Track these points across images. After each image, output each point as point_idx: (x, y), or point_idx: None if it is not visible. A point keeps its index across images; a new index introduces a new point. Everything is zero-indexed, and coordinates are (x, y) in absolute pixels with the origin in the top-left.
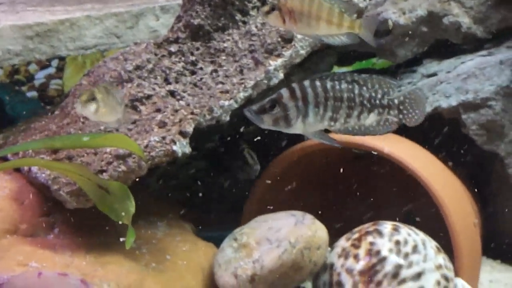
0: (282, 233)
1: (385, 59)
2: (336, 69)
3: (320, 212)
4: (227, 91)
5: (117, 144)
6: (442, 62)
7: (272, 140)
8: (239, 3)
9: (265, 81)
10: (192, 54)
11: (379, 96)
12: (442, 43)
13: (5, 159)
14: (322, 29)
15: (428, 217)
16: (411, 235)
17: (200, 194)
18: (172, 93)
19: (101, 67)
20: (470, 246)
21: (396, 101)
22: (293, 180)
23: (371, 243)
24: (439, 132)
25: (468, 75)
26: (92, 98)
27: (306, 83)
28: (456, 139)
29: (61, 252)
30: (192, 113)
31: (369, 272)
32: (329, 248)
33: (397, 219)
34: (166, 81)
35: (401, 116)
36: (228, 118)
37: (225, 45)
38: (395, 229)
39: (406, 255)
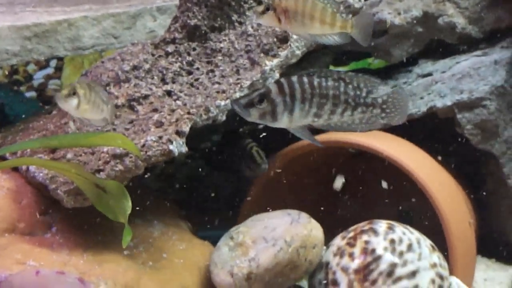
0: (278, 232)
1: (381, 59)
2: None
3: (316, 211)
4: (223, 91)
5: (114, 144)
6: (437, 62)
7: (273, 138)
8: (235, 4)
9: (261, 81)
10: (188, 54)
11: (363, 94)
12: (437, 43)
13: (3, 158)
14: (315, 29)
15: (424, 216)
16: (406, 233)
17: (198, 193)
18: (169, 93)
19: (98, 67)
20: (465, 245)
21: (379, 100)
22: (289, 179)
23: (366, 242)
24: (434, 132)
25: (463, 75)
26: (73, 93)
27: (294, 78)
28: (451, 139)
29: (59, 250)
30: (188, 112)
31: (364, 271)
32: (324, 247)
33: (393, 217)
34: (163, 81)
35: (383, 115)
36: (224, 118)
37: (222, 45)
38: (390, 228)
39: (401, 254)
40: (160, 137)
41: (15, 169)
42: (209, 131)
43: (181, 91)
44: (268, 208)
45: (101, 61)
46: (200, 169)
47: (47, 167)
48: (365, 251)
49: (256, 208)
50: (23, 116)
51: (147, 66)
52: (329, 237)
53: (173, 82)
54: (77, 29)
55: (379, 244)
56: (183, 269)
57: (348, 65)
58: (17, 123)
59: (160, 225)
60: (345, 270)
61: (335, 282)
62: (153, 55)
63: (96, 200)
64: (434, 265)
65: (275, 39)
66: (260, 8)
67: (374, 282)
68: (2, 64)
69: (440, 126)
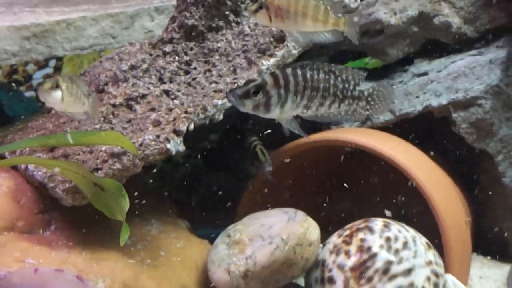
0: (274, 230)
1: (377, 58)
2: None
3: (312, 209)
4: (220, 91)
5: (112, 142)
6: (433, 62)
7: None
8: (232, 4)
9: None
10: (186, 54)
11: (351, 87)
12: (433, 42)
13: (2, 157)
14: (308, 26)
15: (420, 214)
16: (401, 231)
17: (195, 192)
18: (166, 93)
19: (96, 67)
20: (460, 243)
21: (365, 92)
22: (286, 178)
23: (362, 240)
24: (429, 131)
25: (458, 74)
26: (56, 86)
27: (288, 71)
28: (446, 138)
29: (57, 248)
30: (186, 112)
31: (360, 268)
32: (321, 245)
33: (389, 215)
34: (161, 80)
35: (368, 107)
36: (221, 117)
37: (219, 45)
38: (386, 226)
39: (396, 251)
40: (158, 136)
41: (14, 168)
42: (206, 130)
43: (178, 91)
44: (266, 206)
45: (99, 60)
46: (197, 168)
47: (45, 165)
48: (361, 249)
49: (253, 207)
50: (22, 115)
51: (145, 66)
52: (325, 235)
53: (171, 82)
54: (75, 29)
55: (375, 242)
56: (180, 267)
57: (345, 64)
58: (16, 122)
59: (158, 223)
60: (341, 267)
61: (331, 280)
62: (150, 54)
63: (94, 199)
64: (429, 263)
65: (271, 39)
66: (253, 7)
67: (370, 279)
68: (1, 63)
69: (435, 125)
